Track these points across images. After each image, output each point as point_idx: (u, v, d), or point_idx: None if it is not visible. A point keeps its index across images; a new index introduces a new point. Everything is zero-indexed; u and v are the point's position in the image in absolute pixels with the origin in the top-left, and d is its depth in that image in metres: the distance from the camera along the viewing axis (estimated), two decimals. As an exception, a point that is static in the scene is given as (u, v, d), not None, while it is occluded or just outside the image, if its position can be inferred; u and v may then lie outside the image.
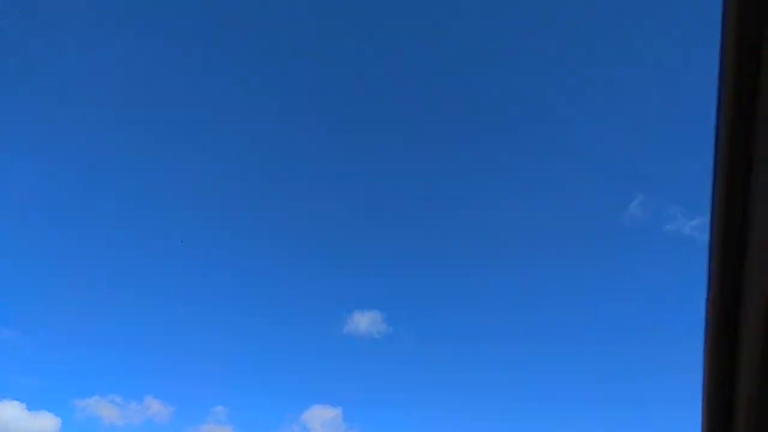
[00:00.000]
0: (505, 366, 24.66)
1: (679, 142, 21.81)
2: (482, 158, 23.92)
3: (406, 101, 23.58)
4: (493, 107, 23.31)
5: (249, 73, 24.62)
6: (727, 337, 1.41)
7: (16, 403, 24.01)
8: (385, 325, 22.83)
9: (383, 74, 24.53)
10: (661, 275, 22.55)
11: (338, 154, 24.35)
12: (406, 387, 25.07)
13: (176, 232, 25.28)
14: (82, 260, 26.86)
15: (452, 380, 25.40)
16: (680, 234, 20.65)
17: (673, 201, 21.20)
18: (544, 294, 23.79)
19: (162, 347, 27.13)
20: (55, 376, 27.06)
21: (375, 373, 24.93)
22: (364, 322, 22.63)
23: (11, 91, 22.96)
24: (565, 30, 22.07)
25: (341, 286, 24.60)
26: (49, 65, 23.14)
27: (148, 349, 27.40)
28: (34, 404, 25.03)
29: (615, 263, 22.81)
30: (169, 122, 24.37)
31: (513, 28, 22.90)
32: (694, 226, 20.24)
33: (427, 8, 22.88)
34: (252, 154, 24.68)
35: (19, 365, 27.00)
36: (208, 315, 25.50)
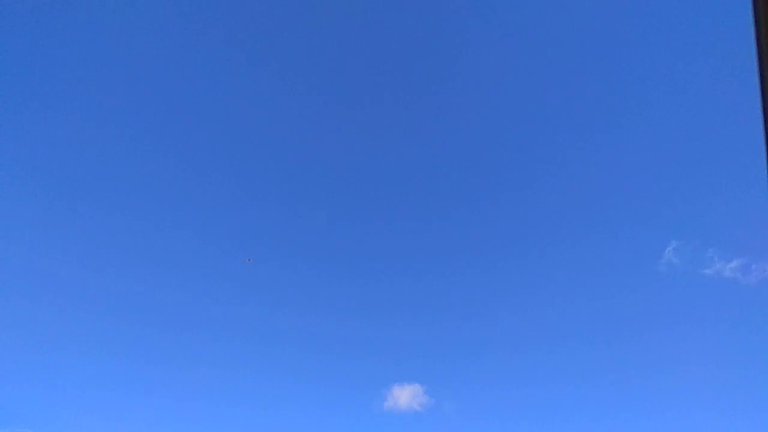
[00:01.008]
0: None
1: (709, 184, 21.46)
2: (519, 217, 23.32)
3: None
4: (525, 163, 22.85)
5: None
6: None
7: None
8: (426, 397, 22.30)
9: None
10: (705, 318, 21.99)
11: (377, 226, 23.39)
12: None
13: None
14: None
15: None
16: (721, 277, 20.54)
17: (709, 244, 21.07)
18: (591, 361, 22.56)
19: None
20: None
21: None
22: (405, 395, 22.07)
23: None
24: (596, 72, 21.57)
25: (378, 361, 23.71)
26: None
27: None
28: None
29: (654, 309, 22.46)
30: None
31: (536, 83, 22.40)
32: (734, 268, 20.28)
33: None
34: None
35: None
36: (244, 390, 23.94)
